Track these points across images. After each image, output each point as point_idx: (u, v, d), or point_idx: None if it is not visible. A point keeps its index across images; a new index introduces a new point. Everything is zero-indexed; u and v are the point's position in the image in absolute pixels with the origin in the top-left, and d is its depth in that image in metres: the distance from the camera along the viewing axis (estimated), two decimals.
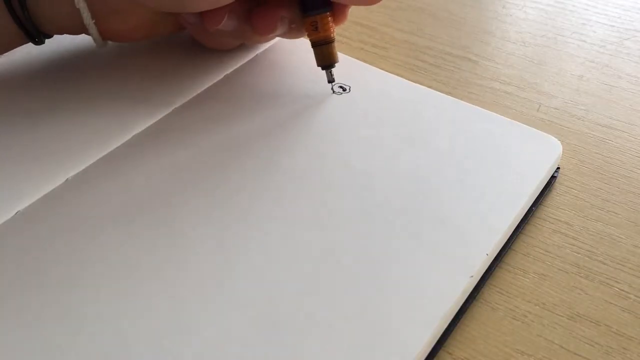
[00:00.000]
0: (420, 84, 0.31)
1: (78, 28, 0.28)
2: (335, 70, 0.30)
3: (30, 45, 0.29)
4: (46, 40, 0.29)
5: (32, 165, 0.26)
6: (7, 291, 0.21)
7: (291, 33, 0.30)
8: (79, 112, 0.29)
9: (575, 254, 0.24)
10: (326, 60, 0.29)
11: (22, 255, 0.22)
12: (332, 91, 0.30)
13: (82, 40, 0.32)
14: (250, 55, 0.33)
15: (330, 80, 0.30)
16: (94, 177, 0.26)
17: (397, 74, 0.32)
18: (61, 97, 0.30)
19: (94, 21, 0.27)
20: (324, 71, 0.29)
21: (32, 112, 0.29)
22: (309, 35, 0.28)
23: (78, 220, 0.24)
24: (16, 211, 0.24)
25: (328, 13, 0.28)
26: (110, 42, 0.30)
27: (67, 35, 0.30)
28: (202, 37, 0.32)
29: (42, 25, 0.27)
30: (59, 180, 0.25)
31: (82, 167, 0.26)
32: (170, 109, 0.29)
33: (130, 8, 0.28)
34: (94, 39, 0.28)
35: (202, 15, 0.27)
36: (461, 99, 0.30)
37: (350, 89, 0.30)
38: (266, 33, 0.28)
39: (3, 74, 0.31)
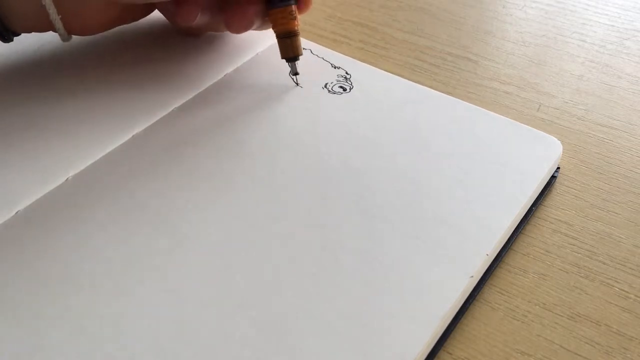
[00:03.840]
0: (420, 83, 0.31)
1: (45, 25, 0.28)
2: (335, 70, 0.30)
3: (31, 45, 0.29)
4: (47, 43, 0.29)
5: (32, 165, 0.26)
6: (7, 291, 0.21)
7: (264, 26, 0.30)
8: (79, 112, 0.29)
9: (576, 253, 0.24)
10: (291, 53, 0.30)
11: (22, 255, 0.22)
12: (295, 84, 0.31)
13: (82, 40, 0.32)
14: (250, 55, 0.33)
15: (295, 72, 0.30)
16: (94, 176, 0.26)
17: (397, 74, 0.32)
18: (61, 98, 0.30)
19: (60, 17, 0.27)
20: (288, 63, 0.30)
21: (32, 113, 0.29)
22: (275, 28, 0.29)
23: (78, 220, 0.24)
24: (16, 211, 0.24)
25: (293, 6, 0.28)
26: (87, 37, 0.30)
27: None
28: (175, 20, 0.32)
29: (10, 23, 0.27)
30: (59, 180, 0.25)
31: (82, 166, 0.26)
32: (170, 109, 0.29)
33: (91, 1, 0.28)
34: (60, 33, 0.29)
35: (176, 10, 0.28)
36: (461, 98, 0.30)
37: (351, 89, 0.30)
38: (242, 31, 0.29)
39: (3, 74, 0.31)
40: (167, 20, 0.33)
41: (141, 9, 0.31)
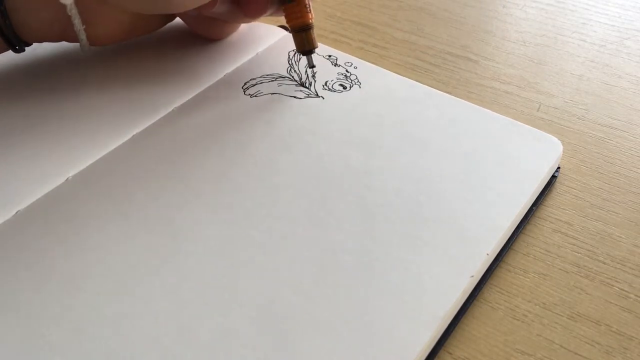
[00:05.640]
0: (421, 83, 0.31)
1: (59, 35, 0.28)
2: (335, 68, 0.29)
3: (30, 46, 0.29)
4: (47, 42, 0.29)
5: (32, 165, 0.26)
6: (7, 291, 0.21)
7: (278, 12, 0.30)
8: (80, 112, 0.29)
9: (576, 253, 0.24)
10: (307, 46, 0.29)
11: (22, 255, 0.22)
12: (313, 77, 0.31)
13: None
14: (250, 55, 0.33)
15: (311, 65, 0.30)
16: (94, 176, 0.26)
17: (397, 74, 0.32)
18: (61, 98, 0.30)
19: (84, 27, 0.28)
20: (304, 56, 0.30)
21: (33, 113, 0.29)
22: (289, 22, 0.29)
23: (78, 220, 0.24)
24: (16, 211, 0.24)
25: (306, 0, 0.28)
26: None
27: None
28: (199, 27, 0.32)
29: (23, 33, 0.28)
30: (59, 180, 0.25)
31: (83, 166, 0.26)
32: (170, 109, 0.29)
33: (110, 12, 0.28)
34: (82, 45, 0.29)
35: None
36: (461, 98, 0.30)
37: (351, 87, 0.30)
38: (256, 17, 0.29)
39: (3, 74, 0.31)
40: (168, 22, 0.33)
41: (158, 19, 0.31)
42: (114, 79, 0.31)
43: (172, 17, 0.32)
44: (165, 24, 0.33)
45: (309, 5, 0.29)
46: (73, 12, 0.27)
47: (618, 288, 0.23)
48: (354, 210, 0.24)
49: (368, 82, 0.31)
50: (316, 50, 0.29)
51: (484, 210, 0.24)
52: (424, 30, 0.37)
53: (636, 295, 0.23)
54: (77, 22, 0.27)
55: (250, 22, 0.33)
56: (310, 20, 0.29)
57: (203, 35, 0.33)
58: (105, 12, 0.28)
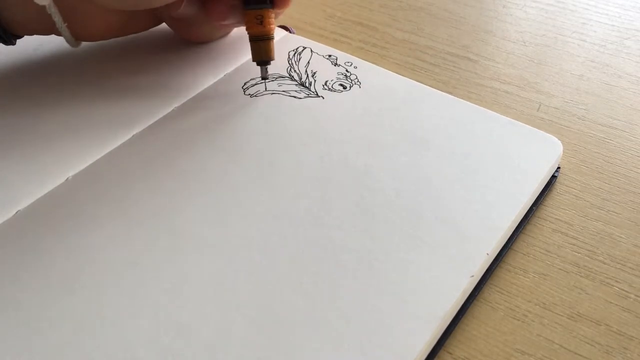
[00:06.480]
0: (421, 83, 0.31)
1: (47, 30, 0.28)
2: (335, 68, 0.29)
3: (30, 44, 0.29)
4: (47, 42, 0.29)
5: (32, 165, 0.26)
6: (8, 291, 0.21)
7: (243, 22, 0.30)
8: (79, 112, 0.29)
9: (576, 253, 0.24)
10: (263, 56, 0.29)
11: (23, 255, 0.22)
12: (264, 87, 0.30)
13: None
14: (250, 55, 0.33)
15: (265, 77, 0.30)
16: (94, 176, 0.26)
17: (397, 74, 0.32)
18: (61, 97, 0.30)
19: (65, 24, 0.28)
20: (259, 67, 0.29)
21: (33, 112, 0.29)
22: (248, 29, 0.28)
23: (78, 220, 0.24)
24: (16, 211, 0.24)
25: (268, 10, 0.28)
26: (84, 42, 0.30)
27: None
28: (182, 31, 0.32)
29: (12, 28, 0.28)
30: (59, 180, 0.25)
31: (83, 166, 0.26)
32: (170, 109, 0.29)
33: (96, 10, 0.28)
34: (67, 40, 0.29)
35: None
36: (461, 98, 0.30)
37: (351, 86, 0.30)
38: (218, 20, 0.29)
39: (3, 74, 0.31)
40: (159, 22, 0.33)
41: (147, 19, 0.31)
42: (114, 79, 0.31)
43: (158, 20, 0.32)
44: (158, 24, 0.32)
45: (271, 16, 0.28)
46: (52, 11, 0.27)
47: (618, 288, 0.23)
48: (354, 210, 0.24)
49: (368, 82, 0.31)
50: (271, 62, 0.29)
51: (484, 210, 0.24)
52: (424, 30, 0.37)
53: (636, 295, 0.23)
54: (57, 19, 0.27)
55: (222, 28, 0.32)
56: (270, 32, 0.28)
57: (186, 38, 0.33)
58: (87, 10, 0.28)
